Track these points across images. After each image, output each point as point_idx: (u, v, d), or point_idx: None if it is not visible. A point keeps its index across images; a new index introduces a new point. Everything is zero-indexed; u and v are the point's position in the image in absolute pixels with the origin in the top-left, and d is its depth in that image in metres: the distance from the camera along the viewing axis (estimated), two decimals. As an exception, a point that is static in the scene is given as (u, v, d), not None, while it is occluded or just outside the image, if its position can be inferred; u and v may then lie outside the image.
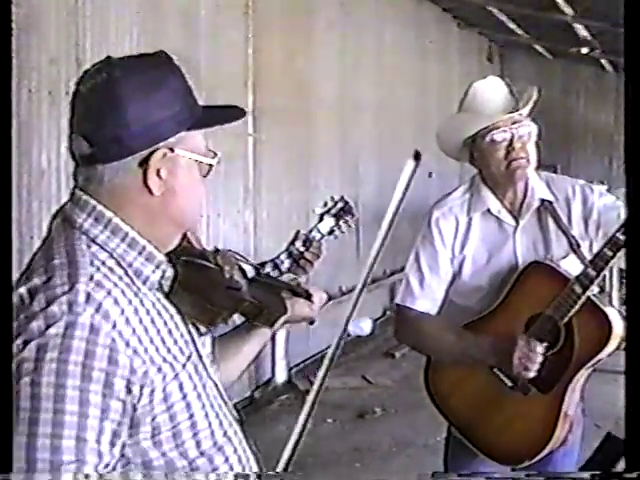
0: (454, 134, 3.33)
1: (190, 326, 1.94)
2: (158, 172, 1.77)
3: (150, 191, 1.78)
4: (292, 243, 2.76)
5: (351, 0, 9.32)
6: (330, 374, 7.74)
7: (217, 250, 2.13)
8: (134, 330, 1.70)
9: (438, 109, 11.80)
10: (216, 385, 1.97)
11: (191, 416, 1.81)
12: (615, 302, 8.19)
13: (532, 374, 3.07)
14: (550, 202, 3.25)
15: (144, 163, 1.76)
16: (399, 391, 7.66)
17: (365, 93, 9.74)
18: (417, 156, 2.10)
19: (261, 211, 7.51)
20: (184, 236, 1.98)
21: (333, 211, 2.86)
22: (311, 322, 2.64)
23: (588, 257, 3.17)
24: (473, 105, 3.25)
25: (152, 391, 1.72)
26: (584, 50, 11.25)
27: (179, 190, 1.82)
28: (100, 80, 1.76)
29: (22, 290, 1.68)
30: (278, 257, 2.79)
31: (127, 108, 1.73)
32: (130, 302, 1.72)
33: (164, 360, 1.76)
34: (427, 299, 3.34)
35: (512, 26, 11.88)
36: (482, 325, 3.24)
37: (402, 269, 10.91)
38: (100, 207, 1.78)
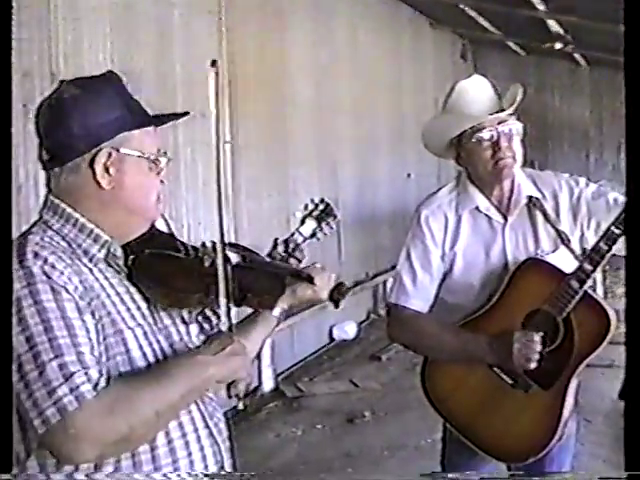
0: (439, 134, 3.32)
1: (159, 310, 2.24)
2: (107, 169, 2.11)
3: (100, 186, 2.12)
4: (274, 248, 2.75)
5: (324, 1, 9.31)
6: (317, 380, 7.75)
7: (203, 244, 2.32)
8: (81, 281, 2.04)
9: (413, 108, 11.81)
10: None
11: (133, 371, 2.07)
12: (599, 293, 8.24)
13: (533, 364, 3.06)
14: (537, 199, 3.24)
15: (92, 162, 2.10)
16: (387, 394, 7.64)
17: (340, 95, 9.73)
18: (213, 63, 2.24)
19: (241, 218, 7.48)
20: (151, 228, 2.28)
21: (315, 213, 2.85)
22: (336, 305, 2.61)
23: (578, 250, 3.19)
24: (458, 105, 3.25)
25: (98, 330, 2.03)
26: (558, 45, 11.27)
27: (128, 184, 2.15)
28: (53, 99, 2.16)
29: None
30: None
31: (71, 118, 2.11)
32: (70, 266, 2.04)
33: (108, 314, 2.07)
34: (420, 297, 3.33)
35: (485, 23, 11.89)
36: (478, 323, 3.23)
37: (385, 271, 10.94)
38: (57, 201, 2.14)
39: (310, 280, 2.48)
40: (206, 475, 2.19)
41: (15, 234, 2.16)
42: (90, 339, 1.98)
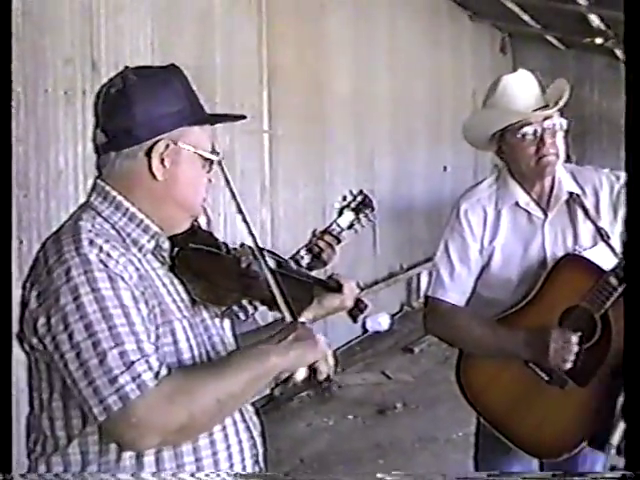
0: (482, 128, 3.30)
1: (199, 305, 2.23)
2: (162, 161, 2.11)
3: (154, 176, 2.12)
4: (311, 239, 2.76)
5: (363, -5, 9.30)
6: (349, 370, 7.75)
7: (242, 245, 2.37)
8: (135, 270, 2.04)
9: (451, 101, 11.78)
10: (218, 354, 2.24)
11: (179, 361, 2.08)
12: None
13: (569, 365, 3.06)
14: (578, 195, 3.23)
15: (149, 152, 2.10)
16: (419, 386, 7.63)
17: (379, 87, 9.72)
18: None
19: (277, 208, 7.49)
20: (192, 225, 2.29)
21: (353, 205, 2.85)
22: (354, 320, 2.64)
23: (618, 246, 3.17)
24: (503, 99, 3.21)
25: (151, 320, 2.04)
26: (598, 40, 11.18)
27: (181, 178, 2.15)
28: (117, 84, 2.14)
29: (38, 254, 2.06)
30: (298, 253, 2.81)
31: (135, 105, 2.10)
32: (124, 255, 2.04)
33: (159, 304, 2.07)
34: (457, 291, 3.33)
35: (525, 17, 11.82)
36: (515, 318, 3.22)
37: (419, 264, 10.89)
38: (108, 188, 2.14)
39: (339, 289, 2.52)
40: (229, 475, 2.19)
41: (55, 221, 2.19)
42: (147, 328, 1.98)
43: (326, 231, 2.85)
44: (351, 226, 2.84)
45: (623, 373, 1.99)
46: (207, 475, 2.12)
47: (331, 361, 2.19)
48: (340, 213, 2.86)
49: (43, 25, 4.65)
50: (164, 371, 1.93)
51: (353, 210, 2.86)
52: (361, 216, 2.86)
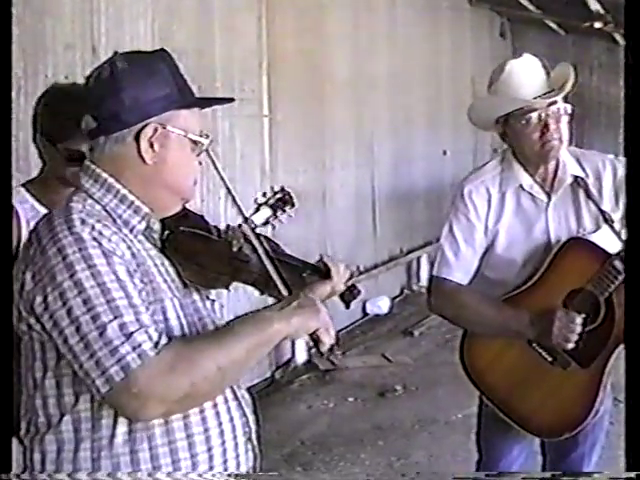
0: (487, 113, 3.33)
1: (188, 285, 2.25)
2: (151, 145, 2.14)
3: (144, 160, 2.14)
4: (225, 232, 2.72)
5: (362, -21, 9.29)
6: (349, 353, 7.76)
7: (228, 226, 2.39)
8: (127, 248, 2.07)
9: (451, 86, 11.77)
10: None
11: (170, 339, 2.03)
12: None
13: (571, 345, 3.10)
14: (581, 178, 3.25)
15: (138, 136, 2.13)
16: (419, 369, 7.65)
17: (378, 72, 9.70)
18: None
19: (278, 192, 7.47)
20: (184, 208, 2.30)
21: (271, 202, 2.80)
22: (347, 306, 2.63)
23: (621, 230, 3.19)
24: (508, 86, 3.21)
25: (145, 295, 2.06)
26: (597, 24, 11.16)
27: (170, 161, 2.17)
28: (105, 70, 2.16)
29: (30, 236, 2.10)
30: None
31: (123, 90, 2.12)
32: (116, 234, 2.07)
33: (150, 282, 2.10)
34: (462, 270, 3.34)
35: (524, 2, 11.81)
36: (520, 299, 3.25)
37: (419, 247, 10.88)
38: (99, 170, 2.16)
39: (327, 274, 2.51)
40: (222, 474, 2.20)
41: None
42: (144, 300, 2.02)
43: (240, 226, 2.79)
44: (266, 223, 2.80)
45: (625, 368, 2.01)
46: (200, 475, 2.13)
47: (332, 331, 2.21)
48: (257, 209, 2.81)
49: (43, 10, 4.67)
50: (164, 340, 1.96)
51: (270, 207, 2.81)
52: (278, 213, 2.81)
